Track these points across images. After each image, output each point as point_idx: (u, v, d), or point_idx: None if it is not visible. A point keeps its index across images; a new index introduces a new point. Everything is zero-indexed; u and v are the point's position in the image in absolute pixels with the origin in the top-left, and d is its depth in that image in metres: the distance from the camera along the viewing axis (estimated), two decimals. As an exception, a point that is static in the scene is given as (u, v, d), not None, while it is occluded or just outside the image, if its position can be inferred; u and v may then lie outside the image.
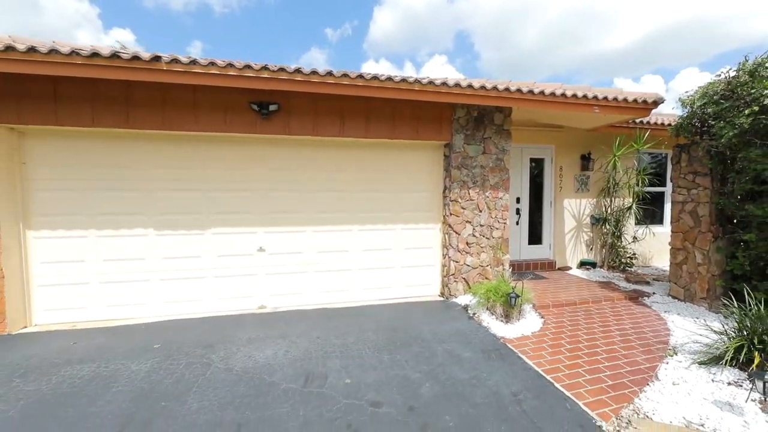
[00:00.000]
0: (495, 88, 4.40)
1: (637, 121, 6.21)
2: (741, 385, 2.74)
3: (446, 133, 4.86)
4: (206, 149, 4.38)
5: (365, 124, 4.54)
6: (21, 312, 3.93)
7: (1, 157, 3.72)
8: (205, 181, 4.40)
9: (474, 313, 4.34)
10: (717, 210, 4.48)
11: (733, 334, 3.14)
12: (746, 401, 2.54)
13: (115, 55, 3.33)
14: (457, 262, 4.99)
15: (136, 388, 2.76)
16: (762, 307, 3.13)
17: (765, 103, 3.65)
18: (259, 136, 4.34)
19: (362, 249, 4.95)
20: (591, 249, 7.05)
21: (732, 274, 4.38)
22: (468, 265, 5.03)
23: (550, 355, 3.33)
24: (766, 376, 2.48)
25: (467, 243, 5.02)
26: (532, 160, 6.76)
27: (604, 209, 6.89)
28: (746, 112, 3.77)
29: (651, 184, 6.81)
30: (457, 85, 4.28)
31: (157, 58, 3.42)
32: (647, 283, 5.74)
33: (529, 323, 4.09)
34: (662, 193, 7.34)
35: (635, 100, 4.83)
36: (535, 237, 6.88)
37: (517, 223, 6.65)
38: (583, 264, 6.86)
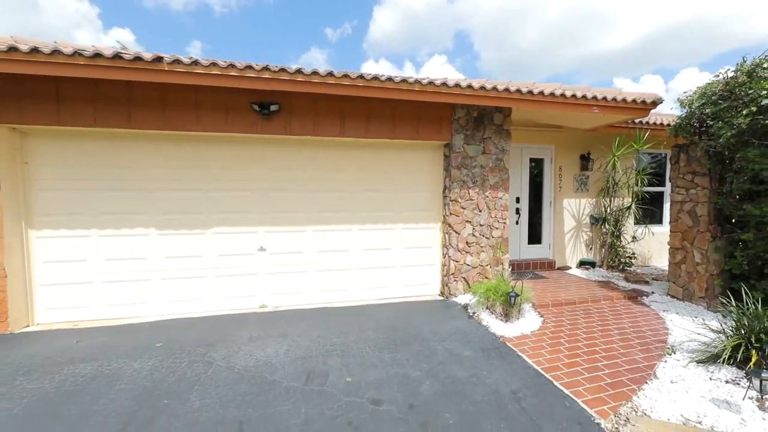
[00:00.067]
0: (495, 88, 4.43)
1: (637, 121, 6.24)
2: (738, 383, 2.76)
3: (446, 133, 4.88)
4: (207, 149, 4.40)
5: (365, 124, 4.57)
6: (23, 311, 3.95)
7: (4, 157, 3.75)
8: (206, 181, 4.42)
9: (474, 313, 4.36)
10: (715, 210, 4.51)
11: (731, 332, 3.16)
12: (743, 399, 2.56)
13: (117, 56, 3.35)
14: (456, 261, 5.01)
15: (138, 386, 2.78)
16: (759, 306, 3.16)
17: (763, 103, 3.67)
18: (259, 136, 4.36)
19: (362, 248, 4.97)
20: (590, 249, 7.08)
21: (730, 274, 4.40)
22: (468, 265, 5.05)
23: (550, 354, 3.35)
24: (762, 374, 2.50)
25: (467, 242, 5.04)
26: (531, 160, 6.79)
27: (603, 209, 6.92)
28: (744, 112, 3.80)
29: (650, 184, 6.83)
30: (457, 85, 4.31)
31: (159, 59, 3.45)
32: (646, 282, 5.76)
33: (528, 322, 4.11)
34: (661, 193, 7.36)
35: (634, 101, 4.86)
36: (534, 237, 6.91)
37: (517, 223, 6.67)
38: (582, 263, 6.89)
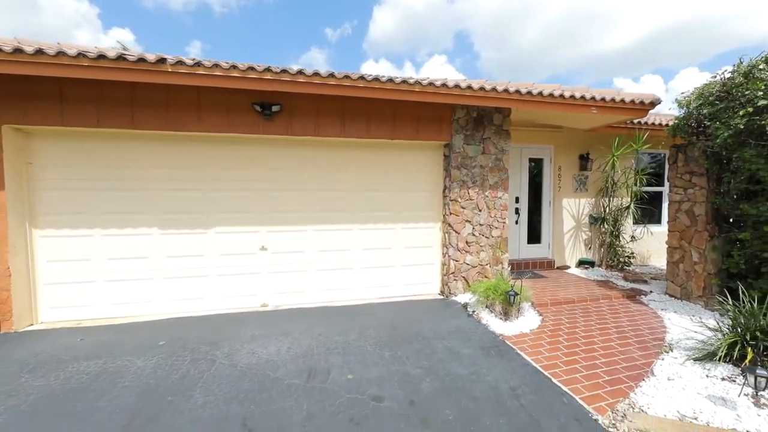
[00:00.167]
0: (494, 89, 4.46)
1: (635, 121, 6.28)
2: (734, 381, 2.80)
3: (446, 133, 4.92)
4: (208, 149, 4.44)
5: (366, 124, 4.60)
6: (27, 310, 3.99)
7: (8, 158, 3.78)
8: (208, 181, 4.46)
9: (473, 311, 4.40)
10: (713, 209, 4.55)
11: (728, 330, 3.20)
12: (739, 396, 2.60)
13: (121, 57, 3.39)
14: (456, 260, 5.05)
15: (142, 383, 2.82)
16: (755, 305, 3.20)
17: (759, 104, 3.71)
18: (261, 137, 4.40)
19: (363, 248, 5.01)
20: (589, 248, 7.12)
21: (728, 273, 4.44)
22: (467, 264, 5.09)
23: (548, 352, 3.39)
24: (758, 371, 2.54)
25: (467, 242, 5.08)
26: (531, 160, 6.83)
27: (602, 209, 6.96)
28: (741, 113, 3.84)
29: (649, 184, 6.88)
30: (457, 86, 4.35)
31: (162, 60, 3.48)
32: (645, 281, 5.80)
33: (527, 321, 4.15)
34: (660, 193, 7.41)
35: (632, 101, 4.89)
36: (534, 236, 6.95)
37: (517, 223, 6.71)
38: (581, 263, 6.93)
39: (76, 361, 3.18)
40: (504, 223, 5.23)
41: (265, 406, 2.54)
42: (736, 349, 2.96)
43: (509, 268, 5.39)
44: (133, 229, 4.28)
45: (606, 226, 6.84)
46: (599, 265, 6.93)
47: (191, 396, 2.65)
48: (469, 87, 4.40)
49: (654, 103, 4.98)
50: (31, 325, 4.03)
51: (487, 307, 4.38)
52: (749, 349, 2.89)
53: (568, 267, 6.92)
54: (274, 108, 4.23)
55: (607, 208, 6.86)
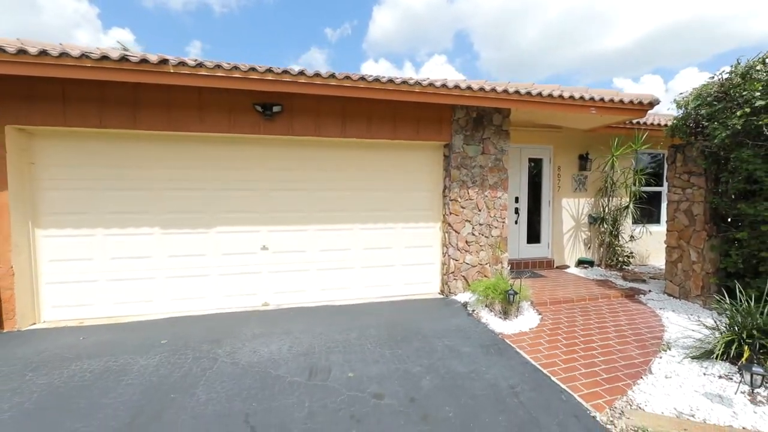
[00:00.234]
0: (494, 89, 4.49)
1: (635, 121, 6.31)
2: (731, 378, 2.83)
3: (446, 133, 4.95)
4: (210, 149, 4.46)
5: (367, 124, 4.63)
6: (30, 309, 4.02)
7: (11, 158, 3.80)
8: (209, 181, 4.48)
9: (473, 310, 4.43)
10: (711, 209, 4.58)
11: (725, 329, 3.23)
12: (736, 393, 2.63)
13: (124, 58, 3.42)
14: (456, 260, 5.08)
15: (145, 381, 2.85)
16: (752, 303, 3.23)
17: (756, 104, 3.74)
18: (262, 137, 4.43)
19: (363, 247, 5.04)
20: (589, 248, 7.15)
21: (726, 272, 4.47)
22: (467, 264, 5.12)
23: (547, 350, 3.42)
24: (754, 369, 2.57)
25: (466, 242, 5.11)
26: (530, 160, 6.86)
27: (601, 209, 6.99)
28: (738, 113, 3.87)
29: (648, 184, 6.91)
30: (457, 86, 4.37)
31: (164, 61, 3.51)
32: (643, 281, 5.83)
33: (526, 320, 4.18)
34: (659, 193, 7.44)
35: (631, 102, 4.92)
36: (533, 236, 6.98)
37: (516, 222, 6.74)
38: (581, 262, 6.96)
39: (79, 359, 3.20)
40: (503, 222, 5.26)
41: (267, 403, 2.57)
42: (733, 347, 2.98)
43: (509, 268, 5.42)
44: (135, 228, 4.31)
45: (605, 226, 6.87)
46: (598, 265, 6.96)
47: (194, 393, 2.68)
48: (469, 87, 4.43)
49: (653, 104, 5.01)
50: (34, 324, 4.06)
51: (486, 306, 4.41)
52: (746, 347, 2.92)
53: (567, 266, 6.95)
54: (275, 108, 4.26)
55: (607, 208, 6.89)
